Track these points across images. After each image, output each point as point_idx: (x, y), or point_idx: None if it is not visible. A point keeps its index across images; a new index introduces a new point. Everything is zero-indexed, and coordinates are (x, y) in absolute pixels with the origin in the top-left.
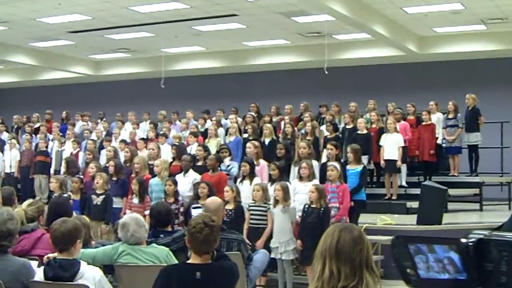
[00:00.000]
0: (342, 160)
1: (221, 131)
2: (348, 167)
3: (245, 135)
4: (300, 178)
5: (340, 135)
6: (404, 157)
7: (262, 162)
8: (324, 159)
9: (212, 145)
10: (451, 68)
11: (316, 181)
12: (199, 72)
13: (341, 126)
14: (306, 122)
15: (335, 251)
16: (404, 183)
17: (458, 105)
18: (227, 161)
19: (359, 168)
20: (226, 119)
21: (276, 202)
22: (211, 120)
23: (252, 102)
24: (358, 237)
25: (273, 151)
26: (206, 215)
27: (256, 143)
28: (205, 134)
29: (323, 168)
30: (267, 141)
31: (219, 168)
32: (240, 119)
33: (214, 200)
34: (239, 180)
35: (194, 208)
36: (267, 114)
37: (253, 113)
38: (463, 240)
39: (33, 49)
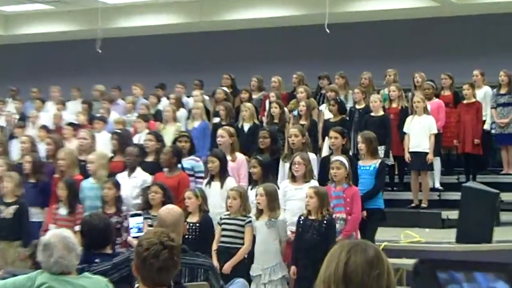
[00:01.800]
0: (350, 153)
1: (181, 113)
2: (359, 163)
3: (216, 119)
4: (293, 178)
5: (348, 118)
6: (437, 148)
7: (239, 156)
8: (325, 151)
9: (169, 132)
10: (502, 23)
11: (315, 183)
12: (151, 30)
13: (348, 106)
14: (300, 100)
15: (343, 279)
16: (438, 185)
17: None
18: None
19: (375, 164)
20: (188, 96)
21: (260, 212)
22: (168, 98)
23: (225, 72)
24: (374, 257)
25: (255, 141)
26: (162, 231)
27: (231, 129)
28: (159, 118)
29: (324, 164)
30: (246, 127)
31: (178, 165)
32: (207, 97)
33: (170, 210)
34: (205, 181)
35: (132, 216)
36: (246, 90)
37: (226, 88)
38: None
39: None
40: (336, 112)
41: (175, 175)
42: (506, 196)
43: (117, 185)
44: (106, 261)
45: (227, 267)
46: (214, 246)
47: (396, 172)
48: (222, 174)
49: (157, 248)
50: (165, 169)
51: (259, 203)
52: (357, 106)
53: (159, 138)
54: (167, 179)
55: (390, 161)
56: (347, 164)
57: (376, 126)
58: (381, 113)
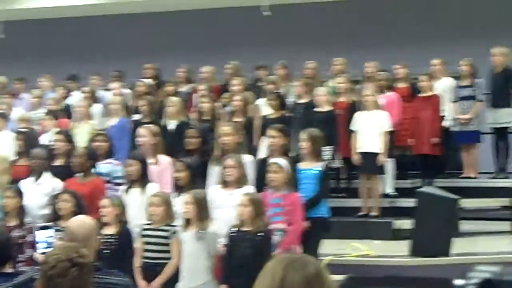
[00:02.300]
0: (291, 155)
1: (96, 109)
2: (300, 165)
3: (136, 116)
4: (224, 183)
5: (289, 115)
6: (390, 149)
7: (163, 159)
8: (262, 152)
9: (82, 131)
10: (460, 5)
11: (251, 188)
12: (62, 12)
13: (290, 100)
14: (235, 94)
15: None
16: (390, 191)
17: (478, 64)
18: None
19: (319, 167)
20: (105, 89)
21: (187, 223)
22: (83, 92)
23: (148, 61)
24: (314, 275)
25: (181, 141)
26: (70, 246)
27: (154, 128)
28: (70, 114)
29: (261, 167)
30: (171, 124)
31: (93, 170)
32: (127, 90)
33: (82, 221)
34: (123, 188)
35: (41, 229)
36: (171, 82)
37: (148, 80)
38: (459, 282)
39: None
40: (276, 107)
41: (89, 181)
42: (466, 203)
43: (19, 193)
44: (6, 281)
45: (156, 285)
46: (138, 263)
47: (344, 176)
48: (142, 179)
49: (64, 266)
50: (78, 174)
51: (186, 212)
52: (300, 101)
53: (69, 138)
54: (80, 186)
55: (338, 163)
56: (286, 167)
57: (322, 123)
58: (327, 108)
